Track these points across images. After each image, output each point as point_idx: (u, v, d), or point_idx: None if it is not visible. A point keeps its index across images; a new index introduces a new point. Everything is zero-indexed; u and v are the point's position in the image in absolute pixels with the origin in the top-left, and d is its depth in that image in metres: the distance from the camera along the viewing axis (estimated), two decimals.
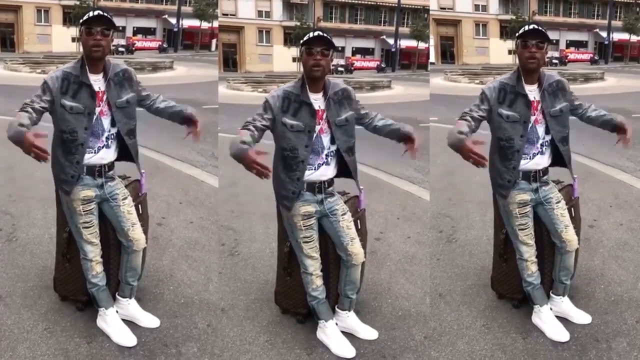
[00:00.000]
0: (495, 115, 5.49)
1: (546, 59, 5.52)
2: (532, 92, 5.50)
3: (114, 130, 5.43)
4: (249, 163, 4.84)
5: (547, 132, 5.57)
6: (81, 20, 5.22)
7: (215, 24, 47.16)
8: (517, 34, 5.47)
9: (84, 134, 5.26)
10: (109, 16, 5.23)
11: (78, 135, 5.24)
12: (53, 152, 5.34)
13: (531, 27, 5.43)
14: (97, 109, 5.30)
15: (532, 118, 5.50)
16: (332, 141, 5.42)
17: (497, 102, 5.48)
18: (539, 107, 5.51)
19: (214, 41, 47.51)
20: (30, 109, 5.00)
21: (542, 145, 5.59)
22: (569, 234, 5.73)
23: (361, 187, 5.86)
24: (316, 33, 5.23)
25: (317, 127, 5.34)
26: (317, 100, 5.34)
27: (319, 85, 5.36)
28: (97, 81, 5.30)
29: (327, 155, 5.42)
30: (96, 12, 5.21)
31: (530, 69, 5.44)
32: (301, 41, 5.27)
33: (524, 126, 5.47)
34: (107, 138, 5.41)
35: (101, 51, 5.23)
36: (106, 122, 5.38)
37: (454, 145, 5.15)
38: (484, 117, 5.46)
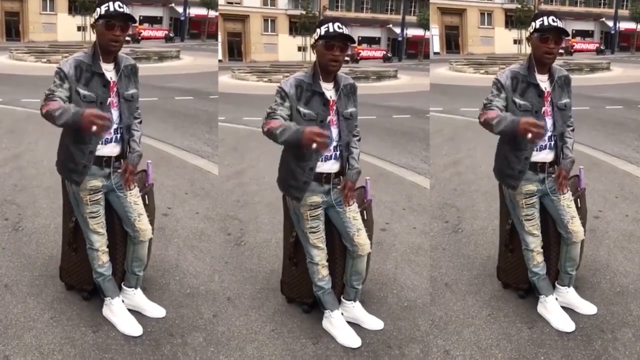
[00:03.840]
0: (510, 104, 5.45)
1: None
2: (544, 82, 5.49)
3: (122, 124, 5.40)
4: (309, 137, 4.80)
5: (554, 125, 5.55)
6: (102, 12, 5.16)
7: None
8: (536, 27, 5.39)
9: None
10: (127, 12, 5.20)
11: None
12: (62, 141, 5.35)
13: (552, 21, 5.34)
14: (108, 100, 5.27)
15: (543, 109, 5.48)
16: (340, 133, 5.41)
17: (512, 90, 5.45)
18: (549, 98, 5.50)
19: None
20: (58, 98, 5.04)
21: (549, 138, 5.56)
22: (575, 225, 5.73)
23: (367, 177, 5.86)
24: (336, 26, 5.16)
25: (328, 118, 5.31)
26: (328, 90, 5.32)
27: (331, 76, 5.33)
28: (109, 71, 5.28)
29: (335, 148, 5.39)
30: (117, 5, 5.15)
31: (545, 63, 5.43)
32: (320, 32, 5.18)
33: (535, 116, 5.41)
34: (115, 131, 5.37)
35: (119, 46, 5.25)
36: (115, 113, 5.35)
37: (507, 127, 5.13)
38: (506, 107, 5.43)
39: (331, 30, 5.15)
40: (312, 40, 5.29)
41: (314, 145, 4.81)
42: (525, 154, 5.51)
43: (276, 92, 5.27)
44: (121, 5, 5.17)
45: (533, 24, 5.43)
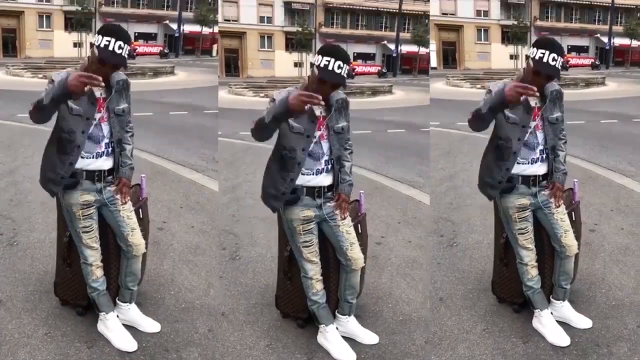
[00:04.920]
0: (499, 114, 5.45)
1: None
2: (534, 98, 5.46)
3: (113, 138, 5.41)
4: (298, 99, 4.93)
5: (546, 139, 5.57)
6: (101, 44, 5.08)
7: (217, 29, 47.24)
8: (535, 57, 5.29)
9: (82, 136, 5.25)
10: (124, 55, 5.14)
11: (76, 137, 5.22)
12: (46, 150, 5.36)
13: (551, 60, 5.25)
14: (98, 115, 5.29)
15: (533, 124, 5.49)
16: (331, 148, 5.42)
17: None
18: (540, 113, 5.51)
19: (215, 46, 47.60)
20: None
21: (541, 151, 5.58)
22: (569, 239, 5.73)
23: (361, 191, 5.86)
24: (337, 65, 5.06)
25: (318, 133, 5.33)
26: (318, 107, 5.30)
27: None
28: (99, 88, 5.25)
29: (326, 161, 5.41)
30: (117, 46, 5.09)
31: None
32: (320, 63, 5.07)
33: (522, 130, 5.46)
34: (106, 145, 5.39)
35: (104, 77, 5.18)
36: (106, 129, 5.36)
37: (494, 102, 5.25)
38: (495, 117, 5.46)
39: (330, 68, 5.07)
40: (312, 59, 5.26)
41: (307, 107, 4.93)
42: (507, 165, 5.51)
43: (269, 102, 5.28)
44: (122, 46, 5.10)
45: (535, 50, 5.32)
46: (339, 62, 5.09)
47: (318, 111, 5.31)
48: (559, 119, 5.59)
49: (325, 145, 5.37)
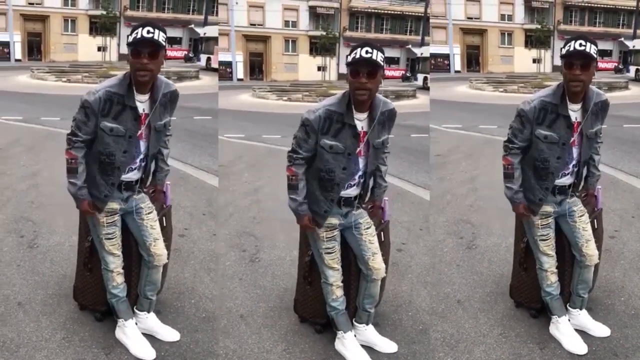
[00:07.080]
0: (532, 136, 5.37)
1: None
2: (575, 112, 5.34)
3: (148, 153, 5.38)
4: (303, 227, 5.43)
5: (580, 154, 5.46)
6: (128, 40, 5.00)
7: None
8: (562, 53, 5.20)
9: (122, 157, 5.19)
10: (156, 38, 5.00)
11: (116, 159, 5.16)
12: (89, 166, 5.24)
13: (578, 46, 5.10)
14: (139, 132, 5.20)
15: (571, 139, 5.37)
16: (367, 163, 5.32)
17: (536, 122, 5.32)
18: (579, 129, 5.37)
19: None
20: (80, 144, 5.13)
21: (573, 166, 5.49)
22: (590, 249, 5.67)
23: (386, 198, 5.80)
24: (364, 51, 4.91)
25: (357, 149, 5.19)
26: (361, 121, 5.16)
27: (366, 105, 5.13)
28: (142, 102, 5.19)
29: (359, 177, 5.33)
30: (145, 31, 4.97)
31: (574, 92, 5.26)
32: (347, 59, 4.96)
33: (562, 148, 5.35)
34: (140, 160, 5.35)
35: (149, 75, 5.10)
36: (144, 145, 5.30)
37: (510, 200, 5.56)
38: (529, 140, 5.39)
39: (357, 56, 4.93)
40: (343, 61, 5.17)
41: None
42: (547, 184, 5.46)
43: (301, 123, 5.15)
44: (151, 30, 4.98)
45: (561, 50, 5.26)
46: (366, 48, 4.93)
47: (360, 125, 5.18)
48: (597, 132, 5.49)
49: (361, 161, 5.27)
